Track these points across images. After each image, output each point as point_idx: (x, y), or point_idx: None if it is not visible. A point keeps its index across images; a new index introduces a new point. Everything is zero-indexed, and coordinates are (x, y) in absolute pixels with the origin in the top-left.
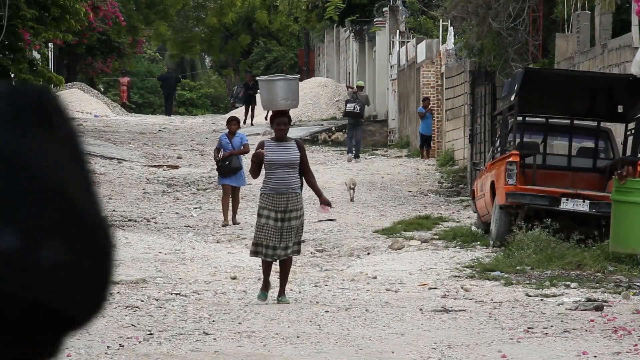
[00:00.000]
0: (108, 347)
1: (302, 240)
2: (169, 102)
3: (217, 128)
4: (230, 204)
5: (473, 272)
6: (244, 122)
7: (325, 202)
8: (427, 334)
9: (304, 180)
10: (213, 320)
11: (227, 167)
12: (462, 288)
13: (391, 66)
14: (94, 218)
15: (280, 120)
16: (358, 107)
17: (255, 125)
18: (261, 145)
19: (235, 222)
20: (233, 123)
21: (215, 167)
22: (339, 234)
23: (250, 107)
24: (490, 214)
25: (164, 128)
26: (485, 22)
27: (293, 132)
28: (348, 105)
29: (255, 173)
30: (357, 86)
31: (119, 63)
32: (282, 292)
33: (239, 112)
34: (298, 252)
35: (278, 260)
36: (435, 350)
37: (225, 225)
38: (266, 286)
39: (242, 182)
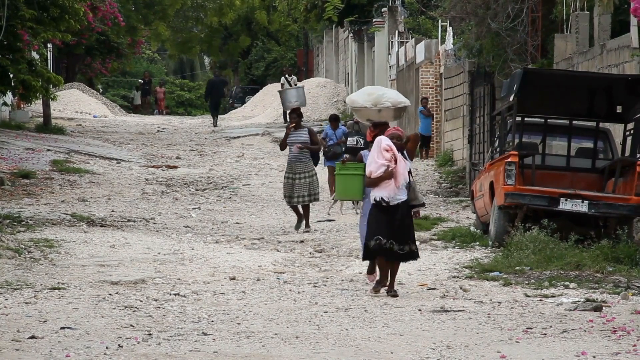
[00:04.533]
0: (107, 347)
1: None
2: (216, 110)
3: (217, 128)
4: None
5: (472, 273)
6: (285, 121)
7: None
8: (426, 334)
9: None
10: (212, 321)
11: (334, 153)
12: (461, 288)
13: (390, 66)
14: None
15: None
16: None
17: (255, 125)
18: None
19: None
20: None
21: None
22: (337, 234)
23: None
24: (489, 214)
25: (163, 128)
26: (484, 22)
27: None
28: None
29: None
30: None
31: (117, 63)
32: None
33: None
34: None
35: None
36: (434, 351)
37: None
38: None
39: None
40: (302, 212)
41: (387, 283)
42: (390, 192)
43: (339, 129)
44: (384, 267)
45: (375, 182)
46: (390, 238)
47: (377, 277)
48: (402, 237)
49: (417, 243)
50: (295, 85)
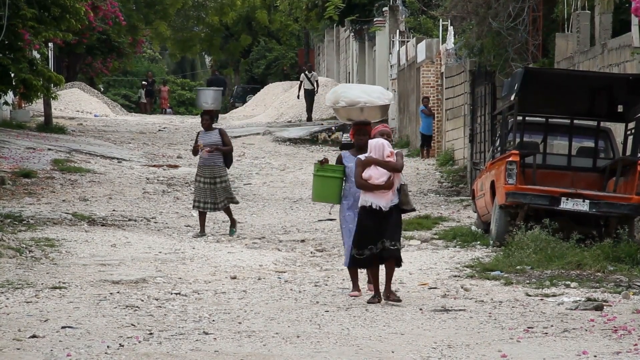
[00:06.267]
0: (108, 346)
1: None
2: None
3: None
4: None
5: (473, 272)
6: (308, 119)
7: None
8: (427, 333)
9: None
10: (213, 320)
11: None
12: (462, 288)
13: (391, 66)
14: None
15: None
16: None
17: (256, 124)
18: (340, 159)
19: None
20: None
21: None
22: (338, 233)
23: (310, 103)
24: (490, 213)
25: (164, 128)
26: (485, 21)
27: (293, 132)
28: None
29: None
30: None
31: (118, 63)
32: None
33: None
34: None
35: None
36: (435, 350)
37: None
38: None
39: None
40: (204, 220)
41: (382, 290)
42: (386, 202)
43: None
44: (376, 275)
45: (372, 187)
46: (381, 239)
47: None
48: (392, 235)
49: (418, 242)
50: (316, 81)
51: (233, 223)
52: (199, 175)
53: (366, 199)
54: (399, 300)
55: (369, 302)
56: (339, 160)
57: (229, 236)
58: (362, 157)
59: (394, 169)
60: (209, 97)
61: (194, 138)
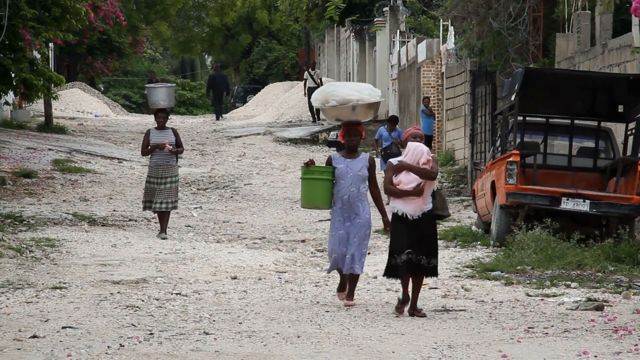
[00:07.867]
0: (108, 346)
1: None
2: (220, 104)
3: (218, 128)
4: None
5: (473, 272)
6: (313, 120)
7: None
8: (428, 333)
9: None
10: (213, 320)
11: (390, 154)
12: (462, 288)
13: (391, 66)
14: None
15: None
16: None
17: (257, 124)
18: (329, 160)
19: None
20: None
21: (378, 154)
22: None
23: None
24: (490, 213)
25: None
26: (486, 21)
27: (293, 133)
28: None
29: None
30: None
31: (119, 63)
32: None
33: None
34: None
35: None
36: (435, 350)
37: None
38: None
39: None
40: (163, 218)
41: (410, 302)
42: (415, 209)
43: (394, 130)
44: (407, 284)
45: (399, 193)
46: (418, 251)
47: (346, 294)
48: (428, 249)
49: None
50: (320, 79)
51: (164, 229)
52: (152, 176)
53: (394, 205)
54: (424, 315)
55: (396, 308)
56: (329, 163)
57: (161, 237)
58: (394, 161)
59: (428, 176)
60: (162, 95)
61: (194, 138)
